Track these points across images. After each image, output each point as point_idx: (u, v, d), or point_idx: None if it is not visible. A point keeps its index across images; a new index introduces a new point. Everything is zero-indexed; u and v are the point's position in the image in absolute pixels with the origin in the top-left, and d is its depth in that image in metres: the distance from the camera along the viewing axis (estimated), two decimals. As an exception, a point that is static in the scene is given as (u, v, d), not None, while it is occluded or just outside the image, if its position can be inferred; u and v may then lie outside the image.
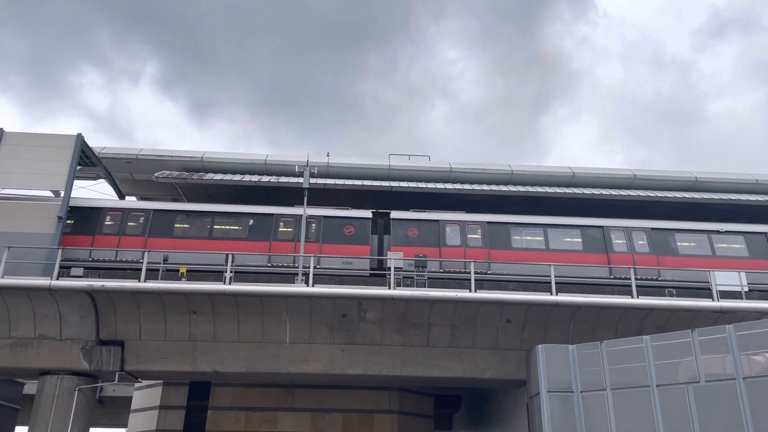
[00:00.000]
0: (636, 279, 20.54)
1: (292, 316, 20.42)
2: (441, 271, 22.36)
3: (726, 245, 23.73)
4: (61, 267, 19.65)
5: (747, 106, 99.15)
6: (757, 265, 22.99)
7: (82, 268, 20.53)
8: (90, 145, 23.68)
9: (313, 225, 23.14)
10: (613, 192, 26.44)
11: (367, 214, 23.78)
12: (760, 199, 26.25)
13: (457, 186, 26.32)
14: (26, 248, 19.95)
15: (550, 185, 27.19)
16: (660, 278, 22.64)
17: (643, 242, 23.61)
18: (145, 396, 27.08)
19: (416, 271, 21.49)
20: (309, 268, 19.94)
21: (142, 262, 19.78)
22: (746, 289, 20.98)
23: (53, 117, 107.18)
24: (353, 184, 25.90)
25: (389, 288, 19.82)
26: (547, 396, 18.45)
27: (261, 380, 24.05)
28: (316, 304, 20.14)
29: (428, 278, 21.30)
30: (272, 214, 23.40)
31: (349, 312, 20.38)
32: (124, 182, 27.86)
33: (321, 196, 25.53)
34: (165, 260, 21.31)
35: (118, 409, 33.86)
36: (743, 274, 21.30)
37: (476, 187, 26.34)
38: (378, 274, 21.90)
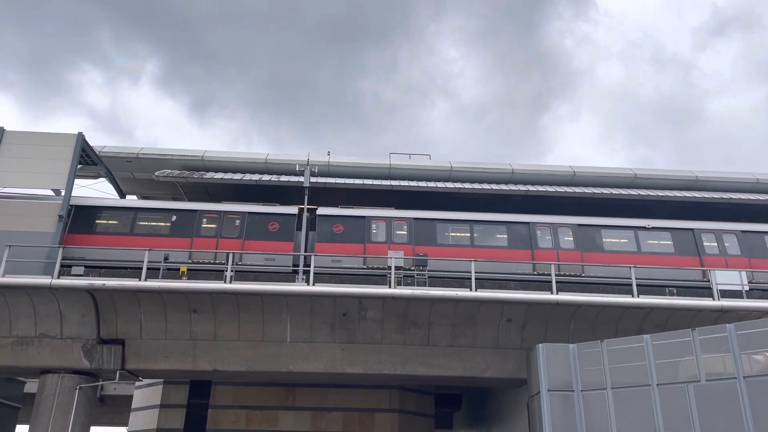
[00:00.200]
0: (559, 275, 20.77)
1: (292, 315, 20.43)
2: (365, 267, 22.33)
3: (655, 242, 23.74)
4: (61, 266, 19.68)
5: (748, 104, 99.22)
6: (682, 261, 23.05)
7: (83, 267, 20.57)
8: (91, 144, 23.70)
9: (237, 221, 23.06)
10: (614, 191, 26.42)
11: (293, 210, 23.64)
12: (760, 198, 26.24)
13: (458, 185, 26.32)
14: (27, 247, 19.97)
15: (551, 184, 27.18)
16: (583, 274, 22.64)
17: (569, 238, 23.59)
18: (145, 395, 27.10)
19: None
20: (309, 267, 19.98)
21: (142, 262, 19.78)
22: (747, 288, 21.01)
23: (53, 115, 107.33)
24: (354, 183, 25.90)
25: (390, 287, 19.85)
26: (548, 395, 18.45)
27: (261, 379, 24.06)
28: (317, 303, 20.15)
29: (352, 275, 21.26)
30: (196, 210, 23.32)
31: (350, 311, 20.40)
32: (124, 181, 27.87)
33: (321, 195, 25.55)
34: (166, 259, 21.35)
35: (119, 408, 33.90)
36: (743, 274, 21.33)
37: (477, 186, 26.35)
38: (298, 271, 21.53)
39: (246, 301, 19.99)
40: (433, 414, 29.77)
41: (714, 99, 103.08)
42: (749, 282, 21.85)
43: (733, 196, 26.34)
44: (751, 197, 26.27)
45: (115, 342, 20.47)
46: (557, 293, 19.93)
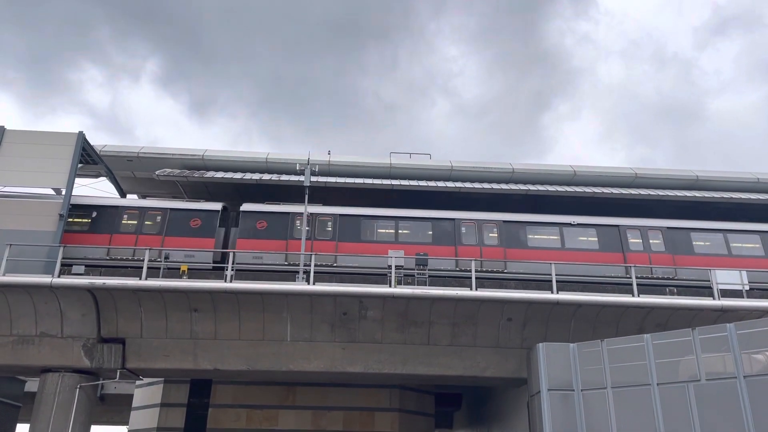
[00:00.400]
0: (481, 271, 21.11)
1: (293, 314, 20.44)
2: (286, 264, 22.32)
3: (582, 238, 23.77)
4: (62, 265, 19.69)
5: (748, 104, 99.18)
6: (606, 257, 23.05)
7: (83, 266, 20.60)
8: (91, 143, 23.70)
9: (158, 217, 23.00)
10: (614, 191, 26.44)
11: (216, 206, 23.66)
12: (761, 197, 26.25)
13: (458, 184, 26.34)
14: (28, 246, 19.99)
15: (551, 184, 27.19)
16: (506, 270, 22.80)
17: (493, 235, 23.62)
18: (146, 393, 27.12)
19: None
20: (310, 266, 19.99)
21: (143, 261, 19.81)
22: (747, 287, 21.01)
23: (53, 114, 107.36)
24: (354, 183, 25.92)
25: (390, 286, 19.86)
26: (548, 394, 18.46)
27: (262, 378, 24.08)
28: (317, 302, 20.16)
29: (270, 270, 21.26)
30: (117, 207, 23.29)
31: (350, 310, 20.40)
32: (125, 180, 27.87)
33: (322, 195, 25.56)
34: (166, 258, 21.36)
35: (120, 407, 33.91)
36: (744, 273, 21.33)
37: (477, 185, 26.37)
38: (219, 267, 21.47)
39: (246, 300, 20.01)
40: (433, 413, 29.80)
41: (714, 98, 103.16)
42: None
43: (734, 196, 26.36)
44: (752, 197, 26.28)
45: (116, 341, 20.48)
46: (557, 292, 19.95)
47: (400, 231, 23.58)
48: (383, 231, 23.66)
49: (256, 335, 20.65)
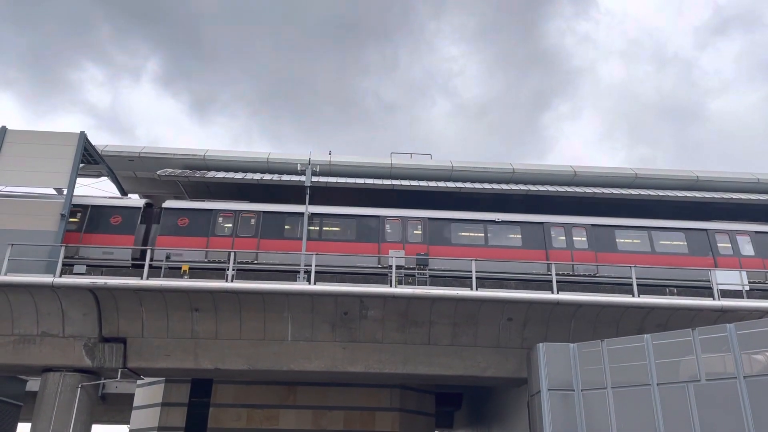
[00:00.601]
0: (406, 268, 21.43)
1: (294, 313, 20.48)
2: (206, 261, 22.26)
3: (509, 235, 23.90)
4: (63, 264, 19.74)
5: (749, 104, 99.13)
6: (528, 254, 23.18)
7: (84, 266, 20.64)
8: (93, 143, 23.75)
9: (78, 214, 22.78)
10: (615, 191, 26.46)
11: (137, 203, 23.60)
12: (761, 198, 26.26)
13: (459, 184, 26.36)
14: (29, 245, 20.03)
15: (551, 184, 27.21)
16: (429, 267, 22.78)
17: (418, 232, 23.70)
18: (147, 393, 27.17)
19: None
20: (311, 265, 20.03)
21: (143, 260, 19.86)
22: (747, 288, 21.03)
23: (54, 113, 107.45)
24: (355, 183, 25.95)
25: (391, 286, 19.89)
26: (548, 394, 18.50)
27: (263, 377, 24.13)
28: (318, 302, 20.20)
29: (193, 268, 21.19)
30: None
31: (351, 310, 20.44)
32: (126, 180, 27.91)
33: (323, 195, 25.59)
34: (167, 258, 21.39)
35: (121, 406, 33.98)
36: (744, 273, 21.35)
37: (478, 185, 26.39)
38: (138, 264, 21.26)
39: (247, 299, 20.05)
40: (433, 413, 29.83)
41: (715, 98, 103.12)
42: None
43: (734, 196, 26.37)
44: (752, 197, 26.29)
45: (117, 340, 20.54)
46: (558, 293, 19.98)
47: (323, 228, 23.59)
48: (309, 228, 23.72)
49: (257, 335, 20.69)
